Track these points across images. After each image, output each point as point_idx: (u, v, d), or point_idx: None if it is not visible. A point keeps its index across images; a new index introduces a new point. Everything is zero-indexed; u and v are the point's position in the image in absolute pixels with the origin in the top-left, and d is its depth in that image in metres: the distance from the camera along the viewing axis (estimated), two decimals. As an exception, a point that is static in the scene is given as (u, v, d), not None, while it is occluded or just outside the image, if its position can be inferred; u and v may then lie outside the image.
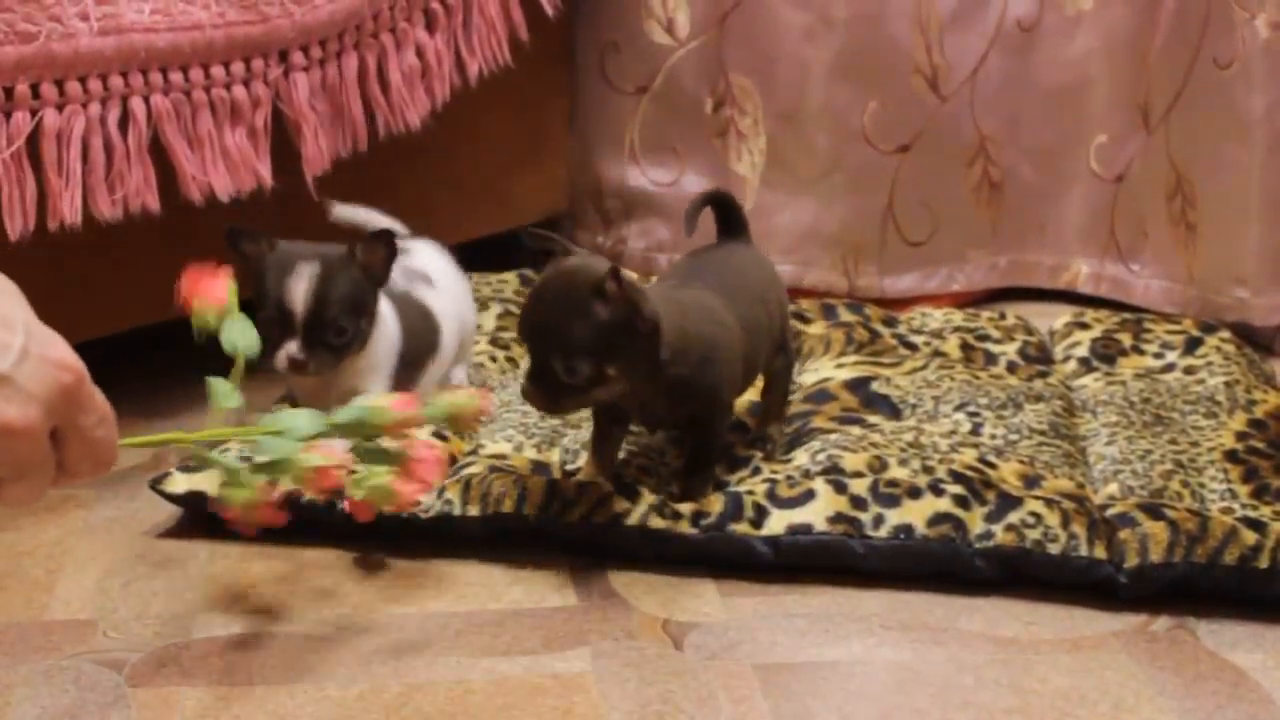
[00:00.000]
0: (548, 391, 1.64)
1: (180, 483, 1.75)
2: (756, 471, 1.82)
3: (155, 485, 1.76)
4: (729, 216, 1.93)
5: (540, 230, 1.76)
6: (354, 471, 1.53)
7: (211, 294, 1.59)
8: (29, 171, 1.75)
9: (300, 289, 1.79)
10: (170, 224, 1.90)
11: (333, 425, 1.53)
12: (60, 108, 1.77)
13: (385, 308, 1.89)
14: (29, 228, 1.75)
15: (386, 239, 1.82)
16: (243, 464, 1.51)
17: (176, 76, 1.86)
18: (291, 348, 1.80)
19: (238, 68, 1.92)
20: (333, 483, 1.49)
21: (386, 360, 1.89)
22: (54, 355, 1.11)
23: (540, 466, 1.83)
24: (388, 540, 1.72)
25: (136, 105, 1.83)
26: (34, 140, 1.75)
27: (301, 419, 1.52)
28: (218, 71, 1.90)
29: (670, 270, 1.97)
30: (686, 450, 1.80)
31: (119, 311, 2.03)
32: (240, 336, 1.58)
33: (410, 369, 1.92)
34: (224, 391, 1.53)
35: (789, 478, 1.75)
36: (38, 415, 1.08)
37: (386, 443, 1.54)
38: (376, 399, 1.55)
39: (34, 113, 1.74)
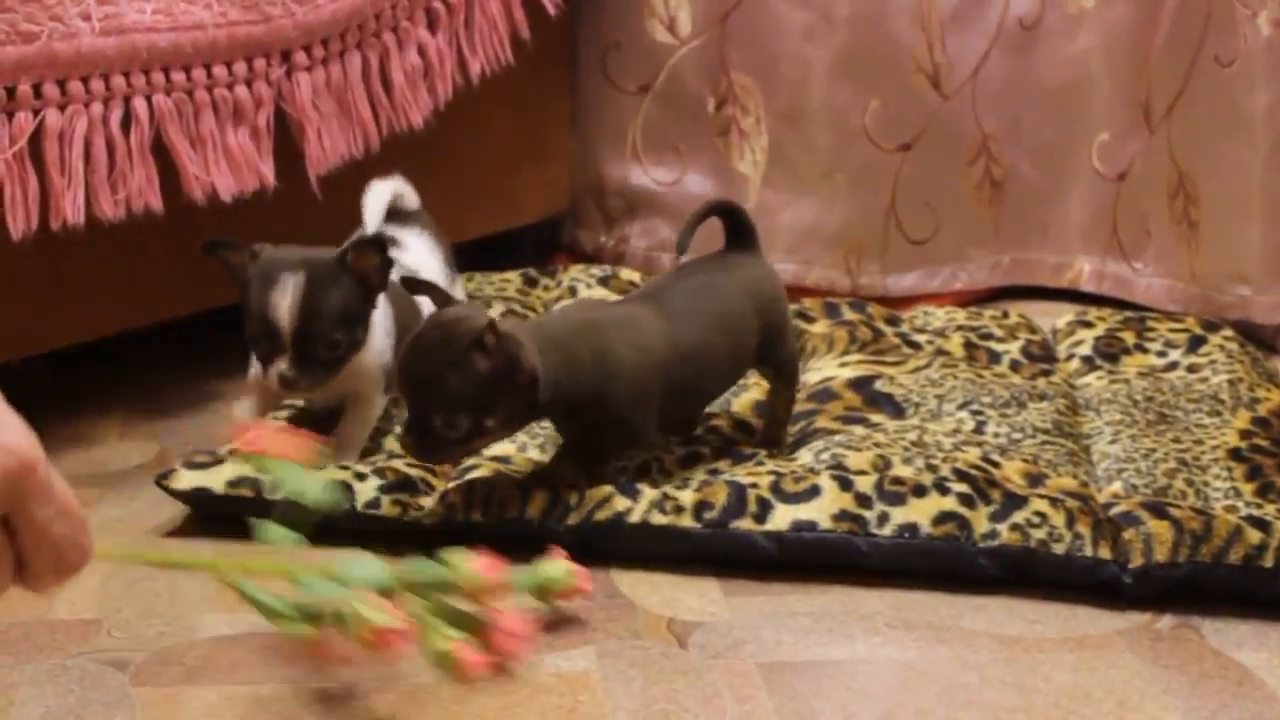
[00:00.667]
0: (427, 445, 1.63)
1: (186, 479, 1.75)
2: (760, 464, 1.81)
3: (160, 481, 1.75)
4: (735, 227, 1.92)
5: (415, 278, 1.76)
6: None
7: (285, 449, 1.48)
8: (31, 171, 1.75)
9: (285, 303, 1.75)
10: (172, 224, 1.90)
11: (400, 580, 1.40)
12: (63, 107, 1.77)
13: (380, 304, 1.86)
14: (31, 227, 1.75)
15: (378, 245, 1.78)
16: (280, 600, 1.38)
17: (179, 76, 1.86)
18: (281, 365, 1.77)
19: (240, 67, 1.92)
20: (393, 645, 1.35)
21: (383, 358, 1.88)
22: (2, 440, 1.03)
23: (543, 467, 1.82)
24: (390, 538, 1.72)
25: (139, 105, 1.83)
26: (36, 140, 1.75)
27: (363, 566, 1.39)
28: (220, 71, 1.90)
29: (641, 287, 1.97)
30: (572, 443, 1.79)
31: (120, 311, 2.02)
32: (316, 491, 1.46)
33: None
34: (277, 536, 1.41)
35: (794, 473, 1.75)
36: None
37: (464, 603, 1.40)
38: (456, 556, 1.42)
39: (36, 112, 1.74)
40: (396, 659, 1.37)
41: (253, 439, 1.48)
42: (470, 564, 1.40)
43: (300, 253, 1.79)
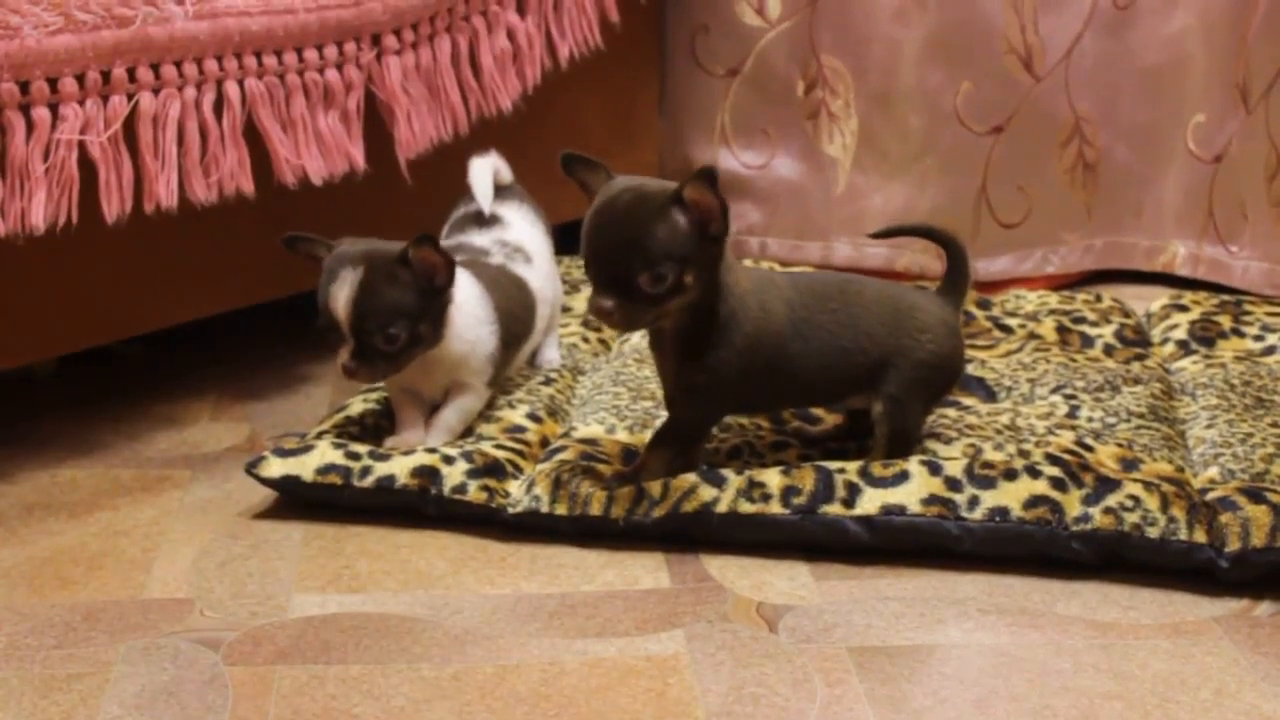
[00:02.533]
0: (629, 307, 1.62)
1: (275, 467, 1.76)
2: (846, 454, 1.80)
3: (251, 469, 1.77)
4: (949, 263, 1.87)
5: (576, 155, 1.75)
6: None
7: None
8: (126, 155, 1.76)
9: (343, 296, 1.75)
10: (264, 207, 1.91)
11: None
12: (156, 91, 1.78)
13: (472, 294, 1.86)
14: (126, 210, 1.77)
15: (434, 243, 1.77)
16: None
17: (270, 60, 1.87)
18: (343, 355, 1.78)
19: (331, 51, 1.93)
20: None
21: (482, 348, 1.87)
22: None
23: (631, 452, 1.81)
24: (476, 522, 1.73)
25: (231, 89, 1.84)
26: (130, 124, 1.76)
27: None
28: (311, 55, 1.91)
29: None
30: (663, 423, 1.78)
31: (213, 294, 2.04)
32: None
33: (507, 349, 1.91)
34: None
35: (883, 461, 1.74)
36: None
37: None
38: None
39: (130, 96, 1.76)
40: None
41: None
42: None
43: (368, 246, 1.79)
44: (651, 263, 1.61)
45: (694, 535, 1.69)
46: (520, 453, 1.82)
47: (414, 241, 1.76)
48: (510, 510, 1.72)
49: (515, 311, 1.93)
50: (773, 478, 1.69)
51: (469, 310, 1.85)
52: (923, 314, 1.79)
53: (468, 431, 1.87)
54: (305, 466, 1.75)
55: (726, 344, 1.69)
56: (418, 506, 1.74)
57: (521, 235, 2.03)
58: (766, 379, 1.73)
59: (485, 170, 2.03)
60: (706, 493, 1.69)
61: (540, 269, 2.01)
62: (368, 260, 1.76)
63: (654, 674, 1.45)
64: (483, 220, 2.02)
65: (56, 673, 1.45)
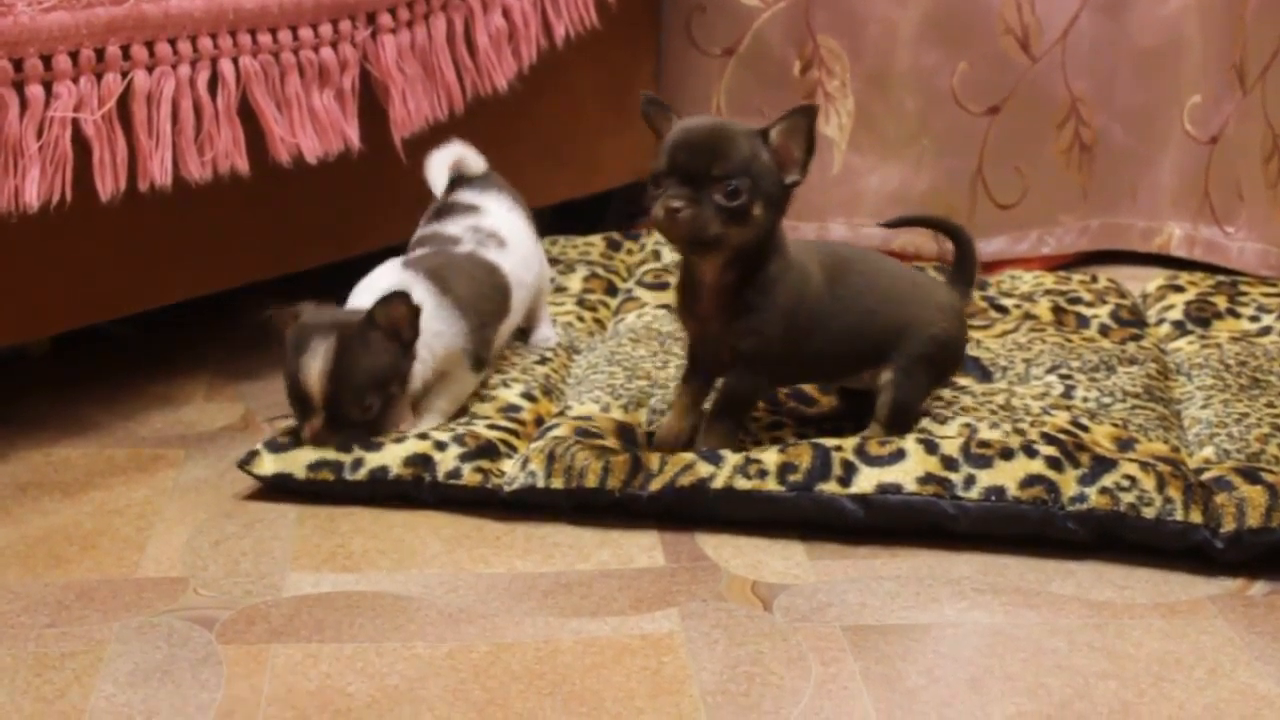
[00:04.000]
0: (704, 213, 1.65)
1: (268, 464, 1.75)
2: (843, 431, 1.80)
3: (244, 466, 1.76)
4: (956, 253, 1.93)
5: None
6: None
7: None
8: (120, 133, 1.76)
9: (315, 369, 1.74)
10: (259, 186, 1.90)
11: None
12: (150, 69, 1.77)
13: (429, 304, 1.82)
14: (120, 189, 1.76)
15: (403, 298, 1.75)
16: None
17: (265, 38, 1.87)
18: (315, 425, 1.76)
19: (326, 30, 1.92)
20: None
21: (455, 345, 1.85)
22: None
23: (625, 428, 1.81)
24: (473, 504, 1.72)
25: (226, 67, 1.83)
26: (124, 102, 1.76)
27: None
28: (306, 33, 1.90)
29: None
30: (717, 397, 1.79)
31: (207, 273, 2.03)
32: None
33: (484, 330, 1.90)
34: None
35: (879, 437, 1.74)
36: None
37: None
38: None
39: (125, 74, 1.75)
40: None
41: None
42: None
43: (332, 316, 1.78)
44: (729, 173, 1.64)
45: (689, 513, 1.69)
46: (514, 432, 1.81)
47: (380, 301, 1.75)
48: (506, 488, 1.72)
49: (484, 293, 1.91)
50: (769, 455, 1.69)
51: (429, 326, 1.81)
52: (940, 293, 1.86)
53: (461, 411, 1.87)
54: (297, 463, 1.74)
55: (770, 304, 1.72)
56: (413, 495, 1.73)
57: (497, 222, 2.01)
58: (804, 341, 1.75)
59: (442, 161, 2.02)
60: (703, 469, 1.69)
61: (516, 253, 1.99)
62: (337, 329, 1.75)
63: (649, 653, 1.45)
64: (460, 208, 2.01)
65: (50, 651, 1.45)
